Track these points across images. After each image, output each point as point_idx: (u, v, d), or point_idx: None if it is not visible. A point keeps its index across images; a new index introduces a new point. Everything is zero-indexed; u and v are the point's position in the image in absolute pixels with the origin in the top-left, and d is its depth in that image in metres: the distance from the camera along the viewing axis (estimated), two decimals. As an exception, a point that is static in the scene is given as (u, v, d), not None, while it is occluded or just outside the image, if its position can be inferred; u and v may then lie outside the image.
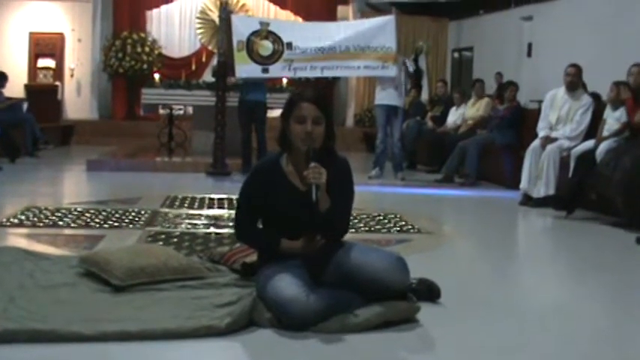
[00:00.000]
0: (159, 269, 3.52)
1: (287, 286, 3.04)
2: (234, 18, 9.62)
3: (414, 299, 3.29)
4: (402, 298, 3.22)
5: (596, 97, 8.12)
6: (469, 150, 9.23)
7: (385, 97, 9.55)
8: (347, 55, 9.28)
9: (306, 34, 9.36)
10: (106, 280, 3.46)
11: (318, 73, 9.60)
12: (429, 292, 3.52)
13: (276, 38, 9.17)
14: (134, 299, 3.28)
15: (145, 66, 15.47)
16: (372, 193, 8.10)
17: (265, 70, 9.24)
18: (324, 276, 3.27)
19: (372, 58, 9.29)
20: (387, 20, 9.59)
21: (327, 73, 9.88)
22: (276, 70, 9.39)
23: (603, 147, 6.68)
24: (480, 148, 9.21)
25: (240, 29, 9.23)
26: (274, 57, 9.21)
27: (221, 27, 9.87)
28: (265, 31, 9.19)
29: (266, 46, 9.18)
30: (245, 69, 9.19)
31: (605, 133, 6.99)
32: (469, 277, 4.44)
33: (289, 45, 9.20)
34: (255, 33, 9.20)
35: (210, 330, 2.91)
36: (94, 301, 3.26)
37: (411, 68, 10.45)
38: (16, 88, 13.41)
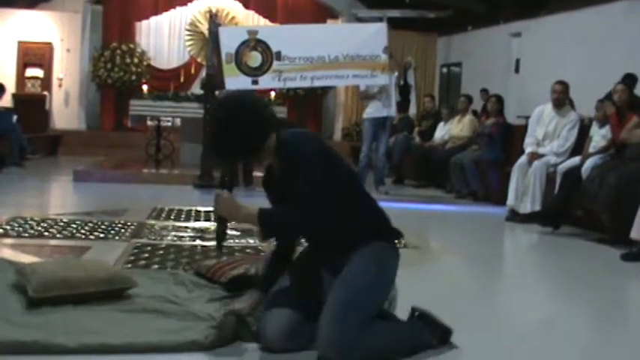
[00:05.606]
0: (82, 281, 3.39)
1: (273, 317, 2.93)
2: (221, 30, 9.53)
3: None
4: None
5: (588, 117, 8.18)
6: (467, 166, 9.29)
7: (374, 110, 9.58)
8: (336, 64, 9.16)
9: (295, 41, 9.24)
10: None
11: (307, 83, 9.54)
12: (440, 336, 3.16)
13: (264, 48, 9.09)
14: (116, 311, 3.25)
15: (134, 77, 15.45)
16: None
17: (255, 82, 9.13)
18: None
19: (361, 67, 9.16)
20: (378, 28, 9.53)
21: (318, 83, 9.81)
22: (265, 81, 9.26)
23: (589, 164, 6.70)
24: (474, 163, 9.26)
25: (228, 41, 9.12)
26: (263, 68, 9.08)
27: (210, 39, 9.86)
28: (254, 40, 9.07)
29: (255, 57, 9.07)
30: (234, 81, 9.08)
31: (592, 149, 7.02)
32: (456, 292, 4.44)
33: (278, 55, 9.09)
34: (243, 44, 9.12)
35: (193, 345, 2.89)
36: (77, 313, 3.23)
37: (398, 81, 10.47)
38: (3, 97, 13.32)
